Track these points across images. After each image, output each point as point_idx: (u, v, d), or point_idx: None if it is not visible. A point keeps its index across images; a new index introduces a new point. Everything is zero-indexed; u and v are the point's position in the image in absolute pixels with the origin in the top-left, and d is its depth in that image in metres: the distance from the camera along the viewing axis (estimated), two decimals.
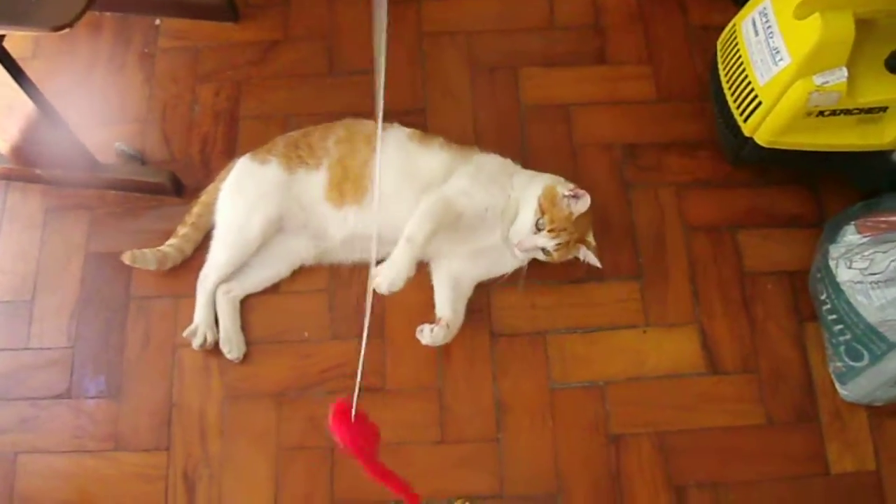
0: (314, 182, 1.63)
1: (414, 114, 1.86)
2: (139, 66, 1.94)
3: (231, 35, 1.97)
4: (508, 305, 1.68)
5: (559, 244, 1.54)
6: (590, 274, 1.69)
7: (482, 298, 1.68)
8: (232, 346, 1.62)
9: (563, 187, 1.57)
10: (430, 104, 1.89)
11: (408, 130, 1.68)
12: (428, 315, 1.64)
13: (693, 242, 1.75)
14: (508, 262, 1.65)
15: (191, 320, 1.65)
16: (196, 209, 1.70)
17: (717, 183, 1.80)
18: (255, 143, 1.77)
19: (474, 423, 1.60)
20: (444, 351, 1.64)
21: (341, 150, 1.64)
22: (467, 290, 1.66)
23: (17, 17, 1.27)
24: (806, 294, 1.68)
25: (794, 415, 1.60)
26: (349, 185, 1.61)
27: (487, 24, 1.98)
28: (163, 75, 1.93)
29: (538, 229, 1.55)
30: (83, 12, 1.29)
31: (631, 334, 1.67)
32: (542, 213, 1.55)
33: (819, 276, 1.61)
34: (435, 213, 1.54)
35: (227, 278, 1.66)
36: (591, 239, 1.60)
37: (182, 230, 1.69)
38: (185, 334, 1.63)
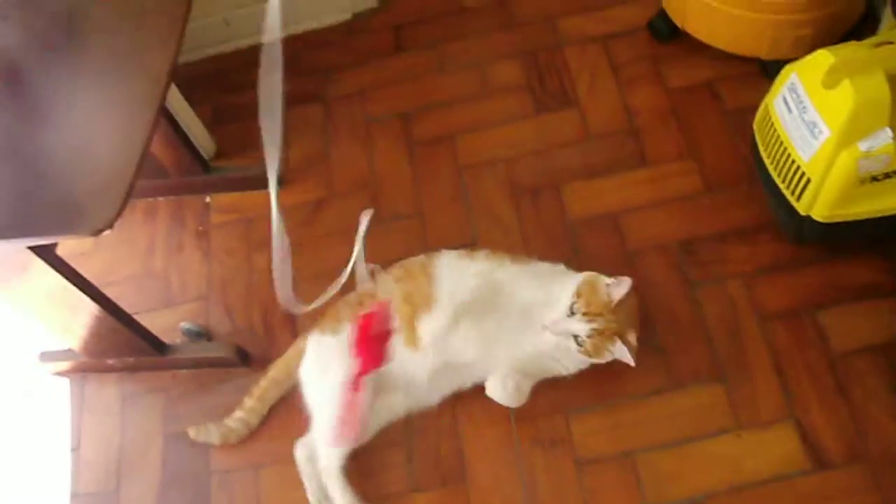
0: None
1: (465, 248, 1.86)
2: (196, 245, 2.01)
3: (279, 201, 2.02)
4: (590, 430, 1.61)
5: (593, 330, 1.47)
6: (669, 382, 1.63)
7: (561, 425, 1.62)
8: None
9: (607, 278, 1.54)
10: (479, 235, 1.89)
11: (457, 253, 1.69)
12: (509, 447, 1.60)
13: (772, 332, 1.66)
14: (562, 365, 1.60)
15: (276, 493, 1.64)
16: (263, 383, 1.71)
17: (784, 266, 1.73)
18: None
19: None
20: (529, 486, 1.57)
21: (404, 288, 1.63)
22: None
23: (58, 227, 1.33)
24: None
25: None
26: (420, 317, 1.60)
27: (523, 148, 2.00)
28: (219, 250, 1.99)
29: (572, 312, 1.50)
30: (119, 214, 1.33)
31: (723, 440, 1.57)
32: (579, 296, 1.51)
33: None
34: None
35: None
36: (631, 338, 1.51)
37: (249, 403, 1.70)
38: None
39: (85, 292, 1.55)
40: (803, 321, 1.67)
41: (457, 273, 1.64)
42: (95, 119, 1.47)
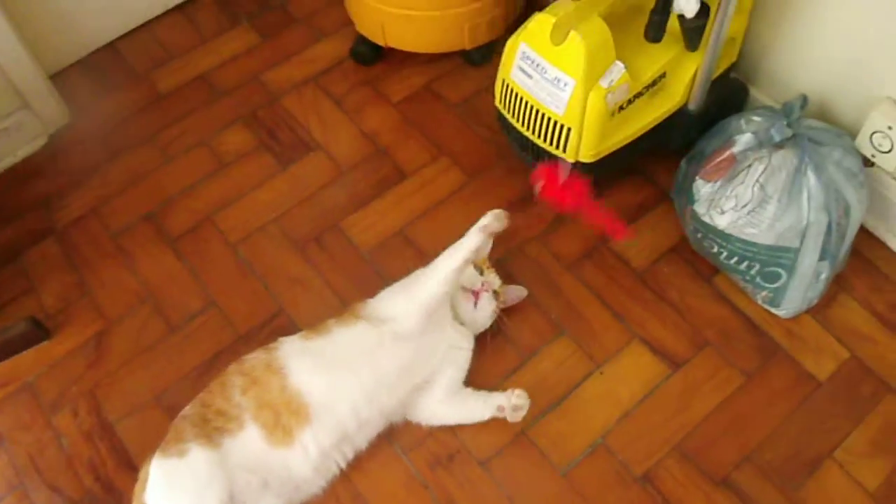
0: (248, 441, 1.48)
1: (275, 318, 1.79)
2: None
3: (54, 351, 1.79)
4: (475, 430, 1.63)
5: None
6: (522, 356, 1.70)
7: (449, 438, 1.62)
8: None
9: None
10: (283, 301, 1.82)
11: (295, 337, 1.60)
12: (414, 481, 1.57)
13: (582, 274, 1.80)
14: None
15: None
16: None
17: (564, 217, 1.87)
18: (146, 437, 1.61)
19: None
20: None
21: (254, 395, 1.51)
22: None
23: None
24: (696, 257, 1.78)
25: (760, 357, 1.68)
26: (287, 417, 1.48)
27: (286, 203, 1.96)
28: (11, 430, 1.71)
29: (479, 270, 1.68)
30: None
31: (591, 383, 1.67)
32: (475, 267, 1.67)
33: (699, 236, 1.71)
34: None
35: None
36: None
37: None
38: None
39: None
40: (602, 254, 1.83)
41: (308, 357, 1.56)
42: None
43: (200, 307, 1.83)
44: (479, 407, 1.63)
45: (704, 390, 1.64)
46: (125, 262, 1.91)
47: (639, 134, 1.73)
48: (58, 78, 2.20)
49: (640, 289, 1.77)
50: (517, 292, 1.75)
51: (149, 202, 2.00)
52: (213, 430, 1.48)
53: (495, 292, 1.67)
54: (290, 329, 1.74)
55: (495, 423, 1.62)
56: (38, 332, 1.81)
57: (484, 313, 1.66)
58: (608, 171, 1.79)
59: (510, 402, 1.59)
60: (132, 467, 1.62)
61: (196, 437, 1.48)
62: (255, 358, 1.56)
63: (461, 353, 1.66)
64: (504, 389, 1.62)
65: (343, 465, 1.57)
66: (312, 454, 1.51)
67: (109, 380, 1.76)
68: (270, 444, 1.49)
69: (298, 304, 1.81)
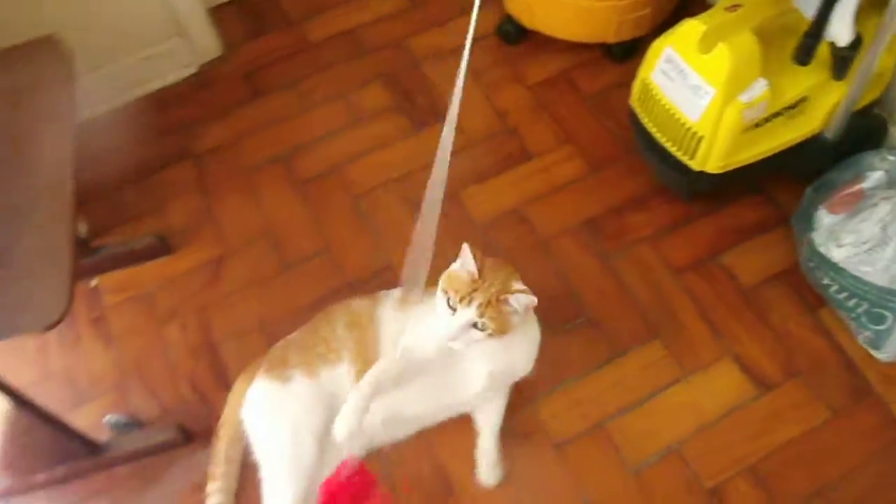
0: (340, 374, 1.57)
1: (383, 272, 1.88)
2: (94, 334, 1.86)
3: (174, 268, 1.93)
4: (556, 413, 1.67)
5: (480, 306, 1.36)
6: (612, 352, 1.73)
7: (529, 417, 1.67)
8: None
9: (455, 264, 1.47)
10: (393, 258, 1.90)
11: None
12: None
13: (687, 283, 1.81)
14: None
15: None
16: (222, 446, 1.60)
17: (680, 222, 1.88)
18: (244, 361, 1.72)
19: None
20: (516, 483, 1.60)
21: (354, 336, 1.58)
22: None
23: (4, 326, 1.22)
24: (806, 286, 1.75)
25: (851, 396, 1.65)
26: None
27: (411, 165, 2.03)
28: (122, 332, 1.85)
29: (452, 310, 1.38)
30: (70, 303, 1.24)
31: (677, 390, 1.68)
32: (445, 293, 1.40)
33: (812, 265, 1.69)
34: None
35: None
36: (517, 284, 1.40)
37: (219, 470, 1.58)
38: None
39: (10, 396, 1.41)
40: (710, 267, 1.83)
41: (398, 326, 1.57)
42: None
43: (315, 250, 1.93)
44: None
45: (788, 418, 1.64)
46: (252, 196, 2.02)
47: (770, 153, 1.71)
48: (216, 12, 2.32)
49: (743, 307, 1.77)
50: (522, 300, 1.39)
51: (282, 145, 2.10)
52: (314, 357, 1.57)
53: (478, 324, 1.37)
54: (396, 282, 1.81)
55: (576, 410, 1.66)
56: (163, 247, 1.95)
57: (477, 350, 1.47)
58: (731, 185, 1.78)
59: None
60: (227, 386, 1.72)
61: (299, 365, 1.57)
62: (361, 304, 1.63)
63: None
64: (588, 382, 1.67)
65: (415, 430, 1.63)
66: (386, 408, 1.56)
67: (221, 302, 1.88)
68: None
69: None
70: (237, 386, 1.64)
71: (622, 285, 1.81)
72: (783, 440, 1.61)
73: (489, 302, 1.37)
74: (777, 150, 1.72)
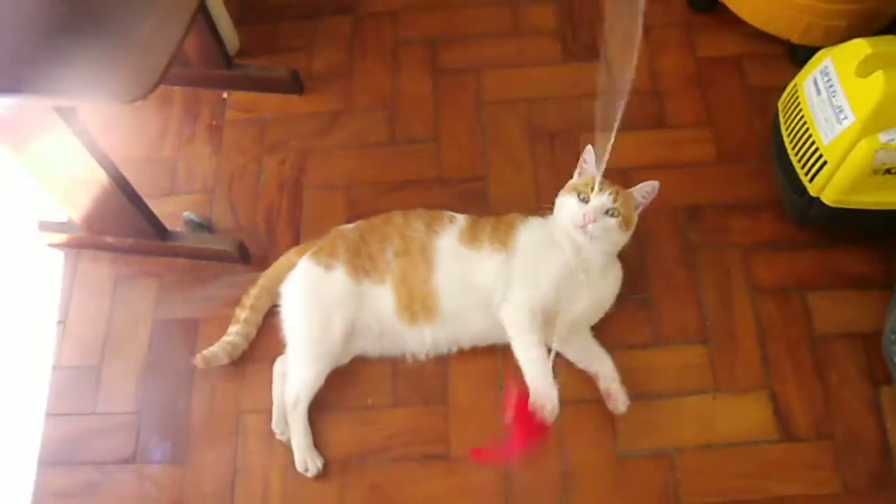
0: (382, 297, 1.62)
1: (475, 181, 1.89)
2: (207, 138, 2.00)
3: (296, 107, 2.03)
4: (570, 374, 1.65)
5: (612, 193, 1.55)
6: (654, 338, 1.68)
7: None
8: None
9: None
10: (490, 171, 1.91)
11: (458, 229, 1.65)
12: (493, 378, 1.65)
13: (761, 305, 1.71)
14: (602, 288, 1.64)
15: (256, 388, 1.67)
16: (254, 292, 1.71)
17: (781, 244, 1.77)
18: (319, 212, 1.82)
19: (540, 491, 1.56)
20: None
21: (401, 266, 1.62)
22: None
23: (92, 90, 1.33)
24: (879, 358, 1.62)
25: (871, 482, 1.53)
26: (418, 306, 1.60)
27: (546, 92, 2.01)
28: (230, 147, 1.99)
29: (584, 202, 1.55)
30: (156, 85, 1.34)
31: (700, 400, 1.62)
32: (576, 191, 1.57)
33: (893, 338, 1.56)
34: (524, 326, 1.55)
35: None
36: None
37: (243, 314, 1.70)
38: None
39: (100, 164, 1.55)
40: (792, 299, 1.72)
41: (461, 272, 1.61)
42: None
43: (424, 136, 1.97)
44: (594, 362, 1.64)
45: (797, 475, 1.55)
46: (391, 68, 2.09)
47: (893, 207, 1.57)
48: None
49: (806, 351, 1.66)
50: (646, 188, 1.60)
51: (438, 30, 2.13)
52: (361, 265, 1.64)
53: (610, 210, 1.54)
54: (482, 195, 1.85)
55: (592, 379, 1.64)
56: (296, 85, 2.05)
57: (607, 239, 1.57)
58: (847, 226, 1.66)
59: (619, 400, 1.60)
60: (295, 228, 1.83)
61: (346, 262, 1.65)
62: (418, 230, 1.65)
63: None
64: (616, 357, 1.64)
65: (448, 351, 1.68)
66: (427, 342, 1.65)
67: (323, 152, 1.97)
68: (396, 314, 1.63)
69: (501, 181, 1.90)
70: (285, 257, 1.75)
71: (694, 280, 1.74)
72: (781, 494, 1.53)
73: (618, 191, 1.56)
74: None
